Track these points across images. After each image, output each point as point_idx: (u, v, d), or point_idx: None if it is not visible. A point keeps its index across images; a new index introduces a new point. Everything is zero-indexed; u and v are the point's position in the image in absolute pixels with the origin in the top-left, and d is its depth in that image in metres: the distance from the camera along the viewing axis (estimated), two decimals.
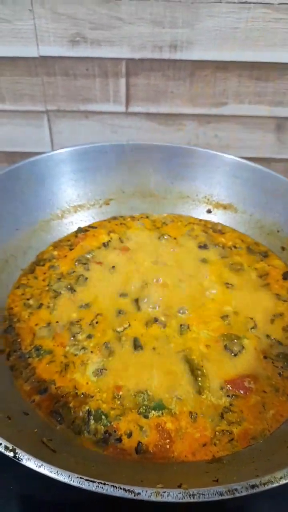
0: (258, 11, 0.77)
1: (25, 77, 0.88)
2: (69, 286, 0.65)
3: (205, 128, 0.94)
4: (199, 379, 0.52)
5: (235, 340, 0.57)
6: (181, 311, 0.61)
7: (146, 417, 0.49)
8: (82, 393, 0.51)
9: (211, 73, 0.86)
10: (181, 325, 0.59)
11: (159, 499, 0.33)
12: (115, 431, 0.48)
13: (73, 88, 0.89)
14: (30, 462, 0.34)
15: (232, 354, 0.55)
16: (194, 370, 0.53)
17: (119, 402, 0.50)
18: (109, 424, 0.48)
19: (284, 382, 0.53)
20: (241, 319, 0.60)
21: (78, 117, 0.94)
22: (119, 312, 0.61)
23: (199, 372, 0.53)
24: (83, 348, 0.56)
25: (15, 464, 0.47)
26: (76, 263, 0.69)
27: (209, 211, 0.82)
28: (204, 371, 0.53)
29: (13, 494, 0.49)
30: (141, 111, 0.92)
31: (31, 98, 0.91)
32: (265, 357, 0.55)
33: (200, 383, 0.52)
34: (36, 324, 0.60)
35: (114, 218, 0.81)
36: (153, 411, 0.49)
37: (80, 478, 0.33)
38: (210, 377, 0.53)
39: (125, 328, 0.59)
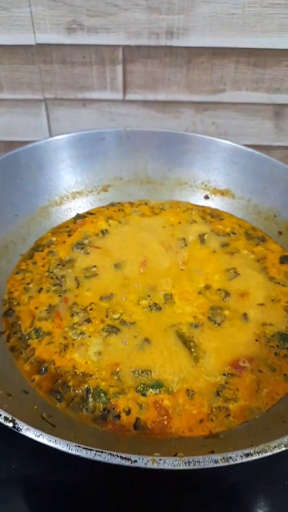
0: None
1: (23, 65, 0.88)
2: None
3: (203, 116, 0.95)
4: (192, 350, 0.54)
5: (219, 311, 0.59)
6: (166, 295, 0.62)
7: (144, 395, 0.50)
8: (81, 372, 0.52)
9: (208, 59, 0.86)
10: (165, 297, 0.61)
11: (155, 466, 0.34)
12: (113, 408, 0.49)
13: (70, 75, 0.89)
14: (29, 432, 0.35)
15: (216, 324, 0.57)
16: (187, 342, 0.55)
17: (117, 378, 0.51)
18: (108, 402, 0.49)
19: (281, 362, 0.54)
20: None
21: (75, 105, 0.94)
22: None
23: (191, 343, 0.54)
24: (82, 333, 0.57)
25: (16, 444, 0.48)
26: (74, 248, 0.70)
27: (206, 197, 0.82)
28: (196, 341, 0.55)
29: (14, 474, 0.50)
30: (139, 98, 0.92)
31: (29, 87, 0.92)
32: (259, 339, 0.56)
33: (194, 353, 0.53)
34: (36, 307, 0.61)
35: (112, 204, 0.82)
36: (150, 389, 0.50)
37: (78, 446, 0.34)
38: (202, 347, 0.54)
39: (121, 314, 0.59)
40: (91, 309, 0.60)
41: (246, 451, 0.35)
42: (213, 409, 0.48)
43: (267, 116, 0.94)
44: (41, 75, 0.90)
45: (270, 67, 0.86)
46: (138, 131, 0.80)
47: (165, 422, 0.48)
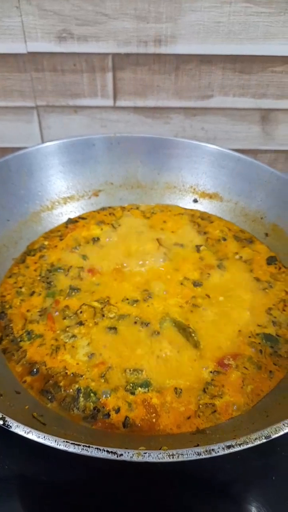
0: (240, 5, 0.80)
1: (14, 73, 0.90)
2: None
3: (192, 121, 0.97)
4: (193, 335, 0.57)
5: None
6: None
7: (133, 393, 0.51)
8: (72, 373, 0.53)
9: (195, 66, 0.88)
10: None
11: (140, 459, 0.35)
12: (103, 407, 0.50)
13: (61, 83, 0.91)
14: (19, 429, 0.36)
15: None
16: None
17: (106, 379, 0.52)
18: (97, 401, 0.50)
19: (267, 360, 0.55)
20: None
21: (67, 112, 0.96)
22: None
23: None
24: (73, 336, 0.58)
25: (9, 443, 0.49)
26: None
27: (195, 201, 0.84)
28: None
29: (8, 473, 0.51)
30: (129, 105, 0.94)
31: (20, 94, 0.93)
32: (243, 338, 0.58)
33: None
34: (28, 310, 0.62)
35: (103, 208, 0.83)
36: (139, 388, 0.51)
37: (66, 442, 0.35)
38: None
39: (114, 314, 0.61)
40: (81, 311, 0.61)
41: (228, 443, 0.36)
42: (200, 406, 0.50)
43: (254, 121, 0.96)
44: (33, 83, 0.92)
45: (255, 73, 0.88)
46: (127, 137, 0.82)
47: (154, 420, 0.49)
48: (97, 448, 0.35)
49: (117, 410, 0.50)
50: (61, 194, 0.80)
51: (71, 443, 0.35)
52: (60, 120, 0.97)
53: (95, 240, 0.74)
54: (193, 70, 0.89)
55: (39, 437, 0.36)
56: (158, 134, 0.88)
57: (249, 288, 0.65)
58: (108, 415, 0.49)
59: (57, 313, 0.61)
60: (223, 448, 0.36)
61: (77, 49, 0.86)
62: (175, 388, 0.52)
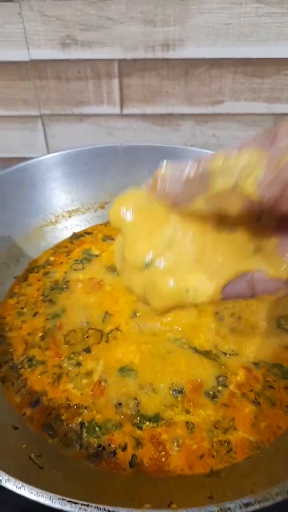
0: (250, 6, 0.75)
1: (17, 81, 0.87)
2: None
3: (202, 128, 0.92)
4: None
5: None
6: None
7: (140, 428, 0.47)
8: (75, 404, 0.49)
9: (205, 71, 0.84)
10: None
11: None
12: (109, 445, 0.46)
13: (66, 91, 0.88)
14: (9, 483, 0.32)
15: None
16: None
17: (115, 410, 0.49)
18: (102, 437, 0.46)
19: (281, 394, 0.50)
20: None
21: (72, 121, 0.92)
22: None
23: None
24: (78, 363, 0.54)
25: None
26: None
27: None
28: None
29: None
30: (136, 112, 0.90)
31: (24, 103, 0.90)
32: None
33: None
34: (29, 334, 0.58)
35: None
36: (148, 422, 0.47)
37: (62, 499, 0.31)
38: None
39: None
40: (87, 336, 0.57)
41: (246, 499, 0.32)
42: (214, 444, 0.45)
43: (267, 127, 0.91)
44: (37, 91, 0.89)
45: (268, 76, 0.84)
46: (134, 146, 0.78)
47: (163, 459, 0.45)
48: (97, 508, 0.31)
49: (124, 448, 0.46)
50: (65, 207, 0.77)
51: (68, 501, 0.31)
52: (66, 129, 0.94)
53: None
54: (203, 75, 0.85)
55: (32, 493, 0.32)
56: (167, 142, 0.84)
57: None
58: (114, 453, 0.45)
59: (60, 336, 0.57)
60: (240, 507, 0.31)
61: (81, 56, 0.83)
62: (187, 422, 0.47)
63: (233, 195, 0.25)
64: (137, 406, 0.49)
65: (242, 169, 0.24)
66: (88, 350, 0.55)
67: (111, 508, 0.31)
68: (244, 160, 0.24)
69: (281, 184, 0.23)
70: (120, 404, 0.49)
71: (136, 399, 0.49)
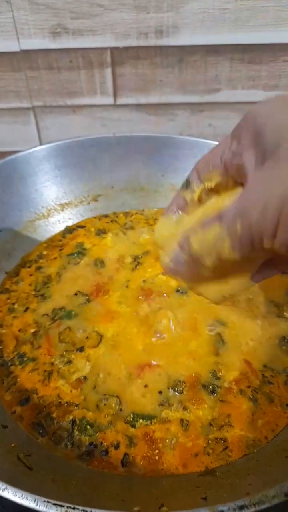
0: None
1: (8, 72, 0.85)
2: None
3: (198, 117, 0.90)
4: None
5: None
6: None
7: (133, 426, 0.45)
8: (66, 402, 0.48)
9: (201, 58, 0.82)
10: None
11: None
12: (101, 443, 0.44)
13: (57, 81, 0.86)
14: None
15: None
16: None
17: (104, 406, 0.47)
18: (94, 435, 0.45)
19: (280, 390, 0.49)
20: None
21: (65, 112, 0.90)
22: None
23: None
24: (69, 361, 0.52)
25: None
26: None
27: None
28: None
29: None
30: (130, 102, 0.88)
31: (16, 95, 0.88)
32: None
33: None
34: (20, 330, 0.57)
35: (105, 215, 0.78)
36: (141, 420, 0.46)
37: (47, 502, 0.30)
38: None
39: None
40: (87, 337, 0.55)
41: (241, 502, 0.30)
42: (210, 442, 0.44)
43: None
44: (28, 82, 0.86)
45: (266, 63, 0.82)
46: (128, 137, 0.76)
47: (156, 458, 0.43)
48: (83, 510, 0.29)
49: (116, 446, 0.44)
50: (57, 200, 0.75)
51: (53, 504, 0.30)
52: (59, 120, 0.92)
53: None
54: (198, 62, 0.83)
55: (15, 495, 0.31)
56: (162, 132, 0.82)
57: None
58: (106, 451, 0.44)
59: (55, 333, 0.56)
60: (234, 509, 0.30)
61: (72, 45, 0.80)
62: (181, 420, 0.46)
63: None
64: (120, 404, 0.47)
65: (215, 246, 0.31)
66: (81, 349, 0.53)
67: (98, 511, 0.29)
68: (211, 238, 0.32)
69: (247, 242, 0.29)
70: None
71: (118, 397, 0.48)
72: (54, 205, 0.74)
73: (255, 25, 0.77)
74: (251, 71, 0.83)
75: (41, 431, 0.46)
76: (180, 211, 0.40)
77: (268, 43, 0.80)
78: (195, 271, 0.36)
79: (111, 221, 0.76)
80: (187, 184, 0.39)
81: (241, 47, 0.80)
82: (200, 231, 0.33)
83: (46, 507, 0.30)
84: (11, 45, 0.81)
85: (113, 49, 0.81)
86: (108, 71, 0.84)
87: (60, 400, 0.48)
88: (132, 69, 0.84)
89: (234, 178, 0.35)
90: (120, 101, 0.88)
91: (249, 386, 0.48)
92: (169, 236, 0.39)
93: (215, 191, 0.37)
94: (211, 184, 0.36)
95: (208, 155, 0.38)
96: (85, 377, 0.50)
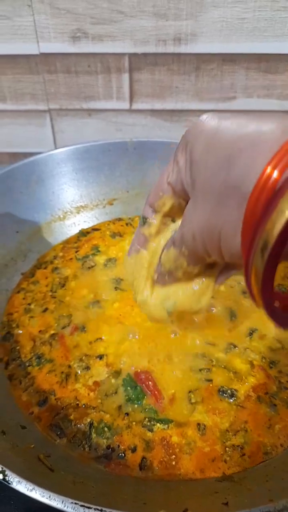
0: (266, 0, 0.74)
1: (26, 75, 0.86)
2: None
3: None
4: None
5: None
6: None
7: (151, 430, 0.46)
8: (84, 404, 0.48)
9: (217, 66, 0.83)
10: None
11: None
12: (118, 446, 0.45)
13: (75, 85, 0.87)
14: (20, 486, 0.31)
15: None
16: None
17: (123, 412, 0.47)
18: (112, 437, 0.45)
19: None
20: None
21: (81, 115, 0.91)
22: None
23: None
24: (87, 367, 0.52)
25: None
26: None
27: None
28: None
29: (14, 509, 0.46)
30: (146, 107, 0.89)
31: (32, 97, 0.89)
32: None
33: None
34: (40, 331, 0.57)
35: (120, 219, 0.78)
36: (158, 424, 0.46)
37: (75, 503, 0.30)
38: None
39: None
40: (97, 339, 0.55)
41: (265, 509, 0.31)
42: (227, 448, 0.44)
43: None
44: (45, 85, 0.87)
45: (282, 72, 0.82)
46: (144, 142, 0.77)
47: (173, 462, 0.43)
48: None
49: (134, 449, 0.44)
50: (74, 203, 0.75)
51: (80, 505, 0.30)
52: (74, 124, 0.92)
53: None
54: (215, 70, 0.83)
55: (43, 496, 0.31)
56: (176, 138, 0.82)
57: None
58: (124, 455, 0.44)
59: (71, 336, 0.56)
60: None
61: (91, 49, 0.81)
62: (198, 424, 0.46)
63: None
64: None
65: (177, 263, 0.38)
66: (101, 357, 0.53)
67: None
68: (172, 258, 0.38)
69: (196, 259, 0.36)
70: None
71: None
72: (70, 207, 0.75)
73: (272, 35, 0.78)
74: (266, 80, 0.84)
75: (59, 433, 0.46)
76: (142, 248, 0.43)
77: (284, 53, 0.80)
78: (173, 278, 0.41)
79: (126, 224, 0.76)
80: (143, 221, 0.42)
81: (257, 57, 0.81)
82: (164, 252, 0.39)
83: (73, 508, 0.30)
84: (30, 48, 0.82)
85: (132, 55, 0.82)
86: (126, 76, 0.84)
87: (77, 402, 0.48)
88: (149, 75, 0.85)
89: (183, 197, 0.37)
90: (136, 106, 0.89)
91: (266, 393, 0.49)
92: (136, 274, 0.44)
93: (172, 215, 0.40)
94: (165, 209, 0.39)
95: (156, 185, 0.39)
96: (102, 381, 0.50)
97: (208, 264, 0.38)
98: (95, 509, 0.30)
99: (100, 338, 0.55)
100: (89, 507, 0.30)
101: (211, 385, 0.49)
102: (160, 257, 0.41)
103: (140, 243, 0.43)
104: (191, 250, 0.35)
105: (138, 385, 0.49)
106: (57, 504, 0.30)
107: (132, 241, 0.44)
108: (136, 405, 0.48)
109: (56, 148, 0.92)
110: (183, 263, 0.37)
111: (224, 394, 0.48)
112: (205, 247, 0.33)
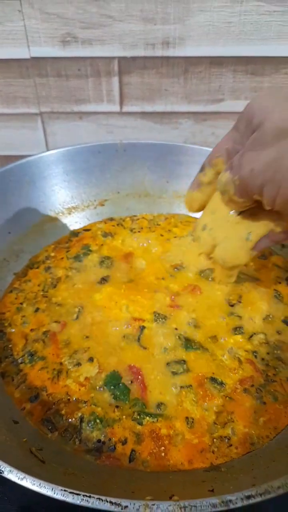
0: (251, 4, 0.76)
1: (18, 79, 0.87)
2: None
3: (202, 126, 0.93)
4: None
5: None
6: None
7: (140, 423, 0.47)
8: (75, 399, 0.49)
9: (205, 69, 0.84)
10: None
11: None
12: (109, 439, 0.46)
13: (65, 89, 0.88)
14: (11, 475, 0.32)
15: None
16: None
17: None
18: (102, 430, 0.46)
19: (284, 388, 0.50)
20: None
21: (72, 118, 0.92)
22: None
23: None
24: (78, 363, 0.53)
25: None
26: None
27: None
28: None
29: (8, 505, 0.47)
30: (136, 110, 0.91)
31: (24, 101, 0.90)
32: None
33: None
34: (32, 330, 0.58)
35: (111, 219, 0.79)
36: (147, 417, 0.47)
37: (64, 490, 0.31)
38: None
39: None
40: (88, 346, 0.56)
41: (247, 492, 0.32)
42: (214, 439, 0.45)
43: None
44: (37, 89, 0.89)
45: (268, 75, 0.84)
46: (134, 144, 0.78)
47: (163, 454, 0.45)
48: (99, 499, 0.31)
49: (124, 442, 0.46)
50: (65, 204, 0.77)
51: (69, 492, 0.31)
52: (65, 126, 0.94)
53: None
54: (203, 73, 0.85)
55: (34, 484, 0.32)
56: (166, 140, 0.84)
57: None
58: (114, 448, 0.45)
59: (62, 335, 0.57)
60: (241, 499, 0.31)
61: (81, 53, 0.83)
62: (186, 418, 0.47)
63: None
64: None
65: (226, 188, 0.45)
66: (91, 359, 0.54)
67: (113, 500, 0.31)
68: (224, 181, 0.45)
69: (243, 192, 0.43)
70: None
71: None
72: (61, 208, 0.76)
73: (258, 39, 0.80)
74: (253, 82, 0.86)
75: (50, 427, 0.47)
76: (198, 187, 0.54)
77: (270, 56, 0.82)
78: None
79: (117, 224, 0.77)
80: (201, 169, 0.53)
81: (244, 59, 0.83)
82: (222, 173, 0.46)
83: (63, 495, 0.31)
84: (21, 52, 0.83)
85: (121, 59, 0.83)
86: (115, 79, 0.86)
87: (69, 397, 0.50)
88: (138, 78, 0.86)
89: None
90: (126, 109, 0.90)
91: (252, 385, 0.50)
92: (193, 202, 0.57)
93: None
94: (217, 168, 0.49)
95: (217, 145, 0.49)
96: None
97: (252, 212, 0.46)
98: (83, 495, 0.31)
99: (87, 337, 0.56)
100: (78, 494, 0.31)
101: (200, 373, 0.51)
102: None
103: (194, 185, 0.55)
104: (242, 181, 0.41)
105: (121, 382, 0.51)
106: (47, 491, 0.31)
107: (193, 180, 0.55)
108: (122, 401, 0.49)
109: (48, 150, 0.93)
110: (231, 190, 0.44)
111: (215, 383, 0.50)
112: (262, 183, 0.38)
